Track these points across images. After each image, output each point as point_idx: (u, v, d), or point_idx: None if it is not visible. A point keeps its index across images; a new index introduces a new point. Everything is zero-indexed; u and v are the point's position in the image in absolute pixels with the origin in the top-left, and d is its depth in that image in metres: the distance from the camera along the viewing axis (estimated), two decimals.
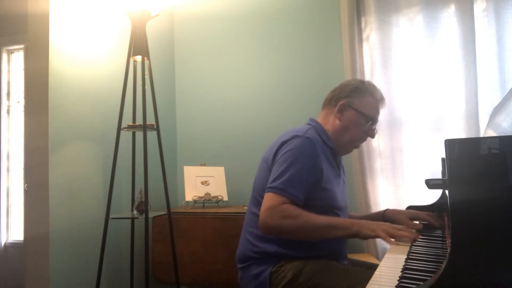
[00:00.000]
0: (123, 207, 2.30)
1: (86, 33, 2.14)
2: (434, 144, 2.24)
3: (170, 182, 2.44)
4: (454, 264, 0.69)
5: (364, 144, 2.33)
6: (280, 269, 1.38)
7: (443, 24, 2.26)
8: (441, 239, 1.32)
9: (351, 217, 1.76)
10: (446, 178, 0.74)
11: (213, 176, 2.52)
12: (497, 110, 1.33)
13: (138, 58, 2.13)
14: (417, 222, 1.53)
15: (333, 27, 2.54)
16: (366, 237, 1.27)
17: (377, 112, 1.57)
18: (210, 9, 2.82)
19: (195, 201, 2.41)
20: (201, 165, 2.58)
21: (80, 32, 2.10)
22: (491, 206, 0.69)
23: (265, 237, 1.43)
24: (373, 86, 1.57)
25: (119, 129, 2.04)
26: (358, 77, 2.35)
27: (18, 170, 3.36)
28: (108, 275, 2.18)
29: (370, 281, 0.88)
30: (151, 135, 2.19)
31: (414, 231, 1.31)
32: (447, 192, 0.95)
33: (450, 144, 0.73)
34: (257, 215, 1.47)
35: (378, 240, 2.27)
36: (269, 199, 1.34)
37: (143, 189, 2.02)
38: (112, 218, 2.04)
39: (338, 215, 1.47)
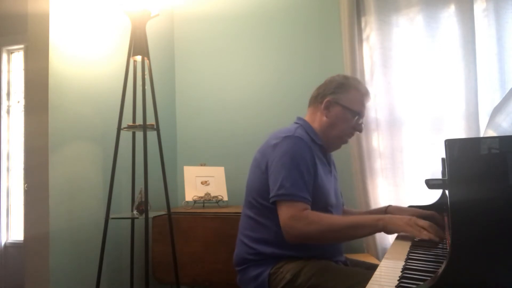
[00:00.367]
0: (123, 207, 2.30)
1: (86, 33, 2.14)
2: (434, 144, 2.24)
3: (170, 182, 2.44)
4: (454, 264, 0.69)
5: (364, 144, 2.34)
6: (278, 270, 1.38)
7: (443, 24, 2.26)
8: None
9: (351, 213, 1.76)
10: (446, 178, 0.73)
11: (213, 176, 2.52)
12: (497, 110, 1.32)
13: (138, 58, 2.13)
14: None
15: (333, 27, 2.54)
16: (392, 232, 1.28)
17: (363, 106, 1.58)
18: (210, 9, 2.82)
19: (195, 201, 2.41)
20: (201, 165, 2.58)
21: (80, 32, 2.10)
22: (491, 206, 0.69)
23: (261, 239, 1.43)
24: (358, 81, 1.59)
25: (119, 129, 2.04)
26: (358, 77, 2.35)
27: (18, 170, 3.36)
28: (108, 275, 2.18)
29: (370, 281, 0.88)
30: (151, 135, 2.19)
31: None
32: (447, 192, 0.95)
33: (450, 144, 0.73)
34: (251, 218, 1.48)
35: (378, 240, 2.27)
36: (286, 208, 1.34)
37: (143, 189, 2.02)
38: (112, 218, 2.04)
39: (331, 212, 1.47)
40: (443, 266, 0.70)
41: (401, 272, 0.93)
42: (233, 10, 2.77)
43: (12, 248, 3.30)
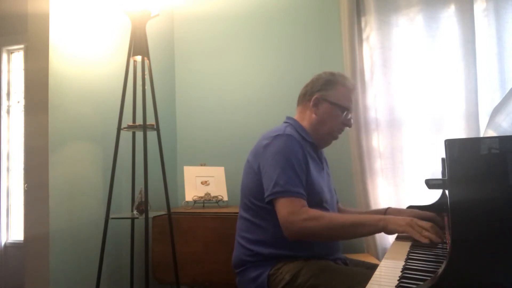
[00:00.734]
0: (123, 207, 2.30)
1: (86, 33, 2.14)
2: (434, 144, 2.24)
3: (170, 182, 2.44)
4: (454, 264, 0.69)
5: (364, 144, 2.34)
6: (277, 271, 1.38)
7: (443, 24, 2.26)
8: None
9: (350, 213, 1.76)
10: (446, 178, 0.73)
11: (213, 176, 2.52)
12: (497, 110, 1.32)
13: (138, 58, 2.13)
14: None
15: (333, 27, 2.54)
16: (392, 233, 1.26)
17: (351, 102, 1.59)
18: (210, 9, 2.82)
19: (195, 201, 2.41)
20: (201, 165, 2.57)
21: (80, 32, 2.10)
22: (491, 206, 0.69)
23: (258, 240, 1.43)
24: (344, 77, 1.60)
25: (119, 129, 2.04)
26: (358, 77, 2.35)
27: (18, 170, 3.36)
28: (108, 275, 2.18)
29: (370, 281, 0.88)
30: (151, 135, 2.19)
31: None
32: (447, 192, 0.95)
33: (450, 144, 0.73)
34: (247, 220, 1.48)
35: (378, 240, 2.27)
36: (284, 205, 1.33)
37: (143, 189, 2.01)
38: (112, 218, 2.04)
39: (326, 208, 1.47)
40: (443, 266, 0.70)
41: (401, 272, 0.93)
42: (233, 10, 2.77)
43: (12, 248, 3.30)
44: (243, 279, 1.48)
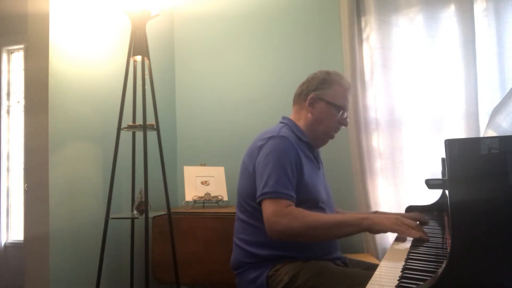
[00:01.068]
0: (123, 207, 2.30)
1: (86, 33, 2.14)
2: (434, 144, 2.24)
3: (170, 182, 2.44)
4: (454, 264, 0.69)
5: (364, 144, 2.34)
6: (276, 272, 1.38)
7: (443, 24, 2.26)
8: (441, 239, 1.32)
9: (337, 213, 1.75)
10: (446, 178, 0.73)
11: (213, 176, 2.52)
12: (497, 110, 1.32)
13: (138, 58, 2.13)
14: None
15: (333, 27, 2.54)
16: (378, 232, 1.26)
17: (346, 100, 1.59)
18: (210, 9, 2.82)
19: (195, 201, 2.41)
20: (201, 165, 2.58)
21: (80, 32, 2.10)
22: (491, 206, 0.69)
23: (256, 242, 1.43)
24: (340, 75, 1.60)
25: (119, 129, 2.04)
26: (358, 77, 2.35)
27: (18, 170, 3.36)
28: (108, 275, 2.18)
29: (370, 281, 0.88)
30: (151, 135, 2.19)
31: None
32: (447, 192, 0.95)
33: (450, 144, 0.73)
34: (244, 221, 1.48)
35: (378, 240, 2.27)
36: (269, 205, 1.32)
37: (143, 189, 2.01)
38: (112, 218, 2.04)
39: (322, 208, 1.47)
40: (443, 266, 0.70)
41: (401, 272, 0.93)
42: (233, 10, 2.77)
43: (12, 248, 3.30)
44: (242, 281, 1.47)
